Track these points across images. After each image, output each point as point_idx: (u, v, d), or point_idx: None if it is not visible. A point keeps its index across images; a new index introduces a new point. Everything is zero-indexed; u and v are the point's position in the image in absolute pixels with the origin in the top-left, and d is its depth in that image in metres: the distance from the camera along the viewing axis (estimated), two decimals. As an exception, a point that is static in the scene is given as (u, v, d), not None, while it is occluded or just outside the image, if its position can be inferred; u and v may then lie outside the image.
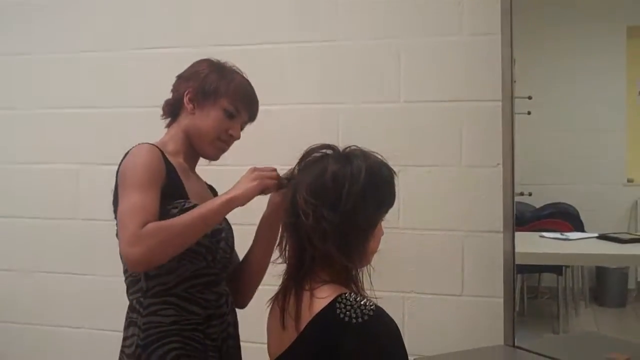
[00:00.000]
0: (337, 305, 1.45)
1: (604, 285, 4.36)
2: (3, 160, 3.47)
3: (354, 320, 1.42)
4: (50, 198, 3.37)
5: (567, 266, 4.06)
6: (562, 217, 4.03)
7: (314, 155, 1.62)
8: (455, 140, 2.85)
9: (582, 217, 4.08)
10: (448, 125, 2.86)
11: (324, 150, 1.62)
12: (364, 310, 1.42)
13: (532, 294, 4.14)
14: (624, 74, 4.43)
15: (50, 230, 3.38)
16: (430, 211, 2.89)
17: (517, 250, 2.64)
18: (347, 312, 1.43)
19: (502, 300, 2.67)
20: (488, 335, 2.73)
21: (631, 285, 4.35)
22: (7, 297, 3.47)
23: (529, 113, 3.22)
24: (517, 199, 2.72)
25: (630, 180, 4.52)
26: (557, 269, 3.97)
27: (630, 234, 3.86)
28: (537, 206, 3.80)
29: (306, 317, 1.49)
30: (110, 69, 3.29)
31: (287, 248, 1.60)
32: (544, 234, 3.64)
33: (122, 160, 1.86)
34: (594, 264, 4.13)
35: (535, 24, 3.13)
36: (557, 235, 3.69)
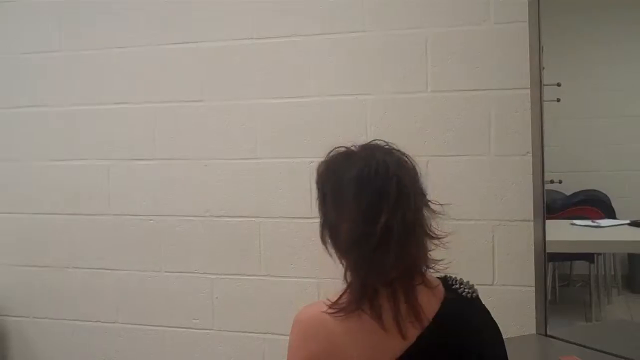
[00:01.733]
0: (453, 285, 1.50)
1: (636, 272, 4.34)
2: (37, 157, 3.53)
3: (474, 294, 1.51)
4: (83, 194, 3.43)
5: (598, 253, 4.04)
6: (593, 204, 4.01)
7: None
8: (484, 129, 2.86)
9: (613, 204, 4.07)
10: (476, 114, 2.86)
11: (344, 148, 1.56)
12: (470, 285, 1.51)
13: (564, 282, 4.13)
14: None
15: (83, 226, 3.44)
16: (460, 201, 2.89)
17: (548, 238, 2.65)
18: (464, 290, 1.50)
19: (533, 289, 2.68)
20: (520, 324, 2.74)
21: None
22: (41, 292, 3.54)
23: (558, 100, 3.22)
24: (547, 186, 2.73)
25: None
26: (588, 257, 3.95)
27: None
28: (568, 194, 3.79)
29: (433, 308, 1.45)
30: (141, 65, 3.33)
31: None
32: (575, 221, 3.63)
33: None
34: (625, 251, 4.10)
35: (563, 10, 3.12)
36: (589, 222, 3.68)
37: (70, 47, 3.44)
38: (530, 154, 2.69)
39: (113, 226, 3.37)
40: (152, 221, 3.29)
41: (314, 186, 1.58)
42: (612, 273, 4.20)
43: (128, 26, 3.36)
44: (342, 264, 1.48)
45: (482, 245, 2.89)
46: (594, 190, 4.08)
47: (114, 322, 3.41)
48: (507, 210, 2.85)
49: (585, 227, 3.61)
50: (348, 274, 1.46)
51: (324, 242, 1.53)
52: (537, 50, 2.58)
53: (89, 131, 3.41)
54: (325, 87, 3.02)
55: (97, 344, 3.45)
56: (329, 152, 1.57)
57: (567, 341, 2.54)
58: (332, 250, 1.52)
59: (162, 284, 3.26)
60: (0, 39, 3.57)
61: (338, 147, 1.57)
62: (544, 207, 2.65)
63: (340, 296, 1.45)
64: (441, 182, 2.90)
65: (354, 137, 2.91)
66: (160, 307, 3.26)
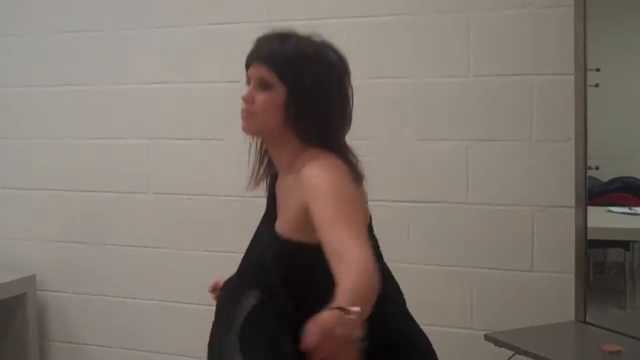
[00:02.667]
0: None
1: None
2: (76, 136, 3.59)
3: None
4: (122, 172, 3.49)
5: (634, 241, 4.03)
6: (630, 192, 3.99)
7: None
8: (526, 114, 2.86)
9: None
10: (518, 99, 2.87)
11: None
12: None
13: (598, 269, 4.12)
14: None
15: (122, 203, 3.50)
16: (500, 186, 2.91)
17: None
18: None
19: (572, 276, 2.72)
20: (559, 311, 2.76)
21: None
22: (80, 269, 3.61)
23: (597, 85, 3.21)
24: (586, 173, 2.75)
25: None
26: (624, 244, 3.95)
27: None
28: (604, 180, 3.78)
29: None
30: (179, 45, 3.37)
31: None
32: (612, 208, 3.62)
33: None
34: None
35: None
36: (625, 209, 3.67)
37: (110, 27, 3.48)
38: (572, 140, 2.70)
39: (152, 204, 3.43)
40: (190, 200, 3.34)
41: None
42: None
43: (165, 6, 3.41)
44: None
45: (521, 231, 2.91)
46: (631, 178, 4.07)
47: (151, 299, 3.47)
48: (547, 196, 2.86)
49: (623, 215, 3.60)
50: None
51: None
52: (582, 36, 2.60)
53: (129, 110, 3.46)
54: (366, 70, 3.03)
55: (134, 321, 3.51)
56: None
57: (606, 329, 2.56)
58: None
59: (199, 263, 3.30)
60: (45, 17, 3.61)
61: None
62: (586, 194, 2.67)
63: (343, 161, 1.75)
64: (481, 167, 2.92)
65: (395, 120, 2.97)
66: (197, 285, 3.31)
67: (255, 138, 1.91)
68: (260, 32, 1.83)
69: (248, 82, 1.84)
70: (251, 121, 1.81)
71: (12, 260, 3.70)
